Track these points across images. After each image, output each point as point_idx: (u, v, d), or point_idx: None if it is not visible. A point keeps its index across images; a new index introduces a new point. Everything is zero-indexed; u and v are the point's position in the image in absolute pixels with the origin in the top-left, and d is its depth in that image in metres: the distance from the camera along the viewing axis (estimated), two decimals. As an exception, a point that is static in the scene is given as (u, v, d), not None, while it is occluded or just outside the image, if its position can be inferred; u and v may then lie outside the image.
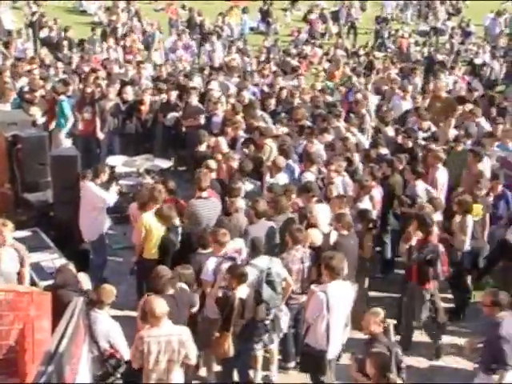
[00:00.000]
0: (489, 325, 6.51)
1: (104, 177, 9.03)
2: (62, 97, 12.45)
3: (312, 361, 6.79)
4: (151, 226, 8.04)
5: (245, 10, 25.42)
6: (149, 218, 8.08)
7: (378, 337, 6.17)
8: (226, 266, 7.10)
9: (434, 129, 11.74)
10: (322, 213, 8.21)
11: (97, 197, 8.82)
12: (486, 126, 11.93)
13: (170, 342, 5.94)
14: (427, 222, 7.82)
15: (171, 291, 6.58)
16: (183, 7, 25.96)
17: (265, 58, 19.34)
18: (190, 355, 6.10)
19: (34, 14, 22.11)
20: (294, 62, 19.03)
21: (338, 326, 6.71)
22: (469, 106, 12.81)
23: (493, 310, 6.43)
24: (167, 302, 6.46)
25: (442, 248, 7.88)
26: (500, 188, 9.45)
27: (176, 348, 5.97)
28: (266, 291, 6.93)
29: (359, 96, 13.37)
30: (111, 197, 9.04)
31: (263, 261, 7.17)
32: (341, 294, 6.70)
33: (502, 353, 6.26)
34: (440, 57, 20.35)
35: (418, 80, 16.02)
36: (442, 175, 9.81)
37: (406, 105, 13.50)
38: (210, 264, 7.13)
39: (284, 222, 7.96)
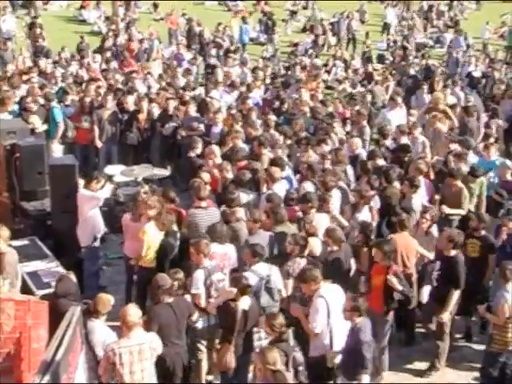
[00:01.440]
0: (350, 331, 6.50)
1: (97, 185, 8.98)
2: (54, 103, 12.45)
3: (319, 368, 6.74)
4: (151, 237, 8.03)
5: (245, 20, 25.46)
6: (149, 229, 8.06)
7: (275, 341, 6.14)
8: (217, 276, 7.15)
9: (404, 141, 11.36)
10: (321, 221, 8.25)
11: (88, 199, 8.81)
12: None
13: (142, 351, 5.98)
14: (388, 250, 7.44)
15: (169, 300, 6.59)
16: (183, 15, 25.95)
17: (265, 69, 19.33)
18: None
19: (31, 24, 22.16)
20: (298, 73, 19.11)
21: (338, 327, 6.71)
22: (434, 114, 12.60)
23: (352, 314, 6.45)
24: (164, 311, 6.48)
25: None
26: None
27: (149, 355, 6.03)
28: (264, 298, 7.00)
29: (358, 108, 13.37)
30: (103, 192, 9.05)
31: (263, 268, 7.21)
32: (335, 295, 6.78)
33: (363, 358, 6.27)
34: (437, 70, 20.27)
35: (426, 96, 15.55)
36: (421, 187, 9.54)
37: (394, 114, 13.21)
38: (200, 276, 7.11)
39: (279, 233, 7.98)
